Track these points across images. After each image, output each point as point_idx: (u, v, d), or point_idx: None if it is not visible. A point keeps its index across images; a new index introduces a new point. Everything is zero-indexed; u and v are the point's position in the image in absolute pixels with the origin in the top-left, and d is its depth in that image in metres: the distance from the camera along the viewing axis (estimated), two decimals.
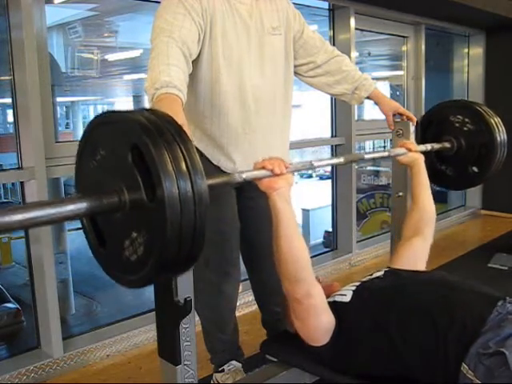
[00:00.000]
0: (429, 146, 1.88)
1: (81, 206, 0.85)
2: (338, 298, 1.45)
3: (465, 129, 1.94)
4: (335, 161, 1.65)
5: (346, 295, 1.46)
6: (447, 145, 1.95)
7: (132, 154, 0.85)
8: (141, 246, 0.87)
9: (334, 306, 1.40)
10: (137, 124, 0.85)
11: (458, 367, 1.19)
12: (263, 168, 1.29)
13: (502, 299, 1.30)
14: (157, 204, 0.82)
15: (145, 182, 0.84)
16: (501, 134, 1.89)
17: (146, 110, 0.92)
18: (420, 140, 1.95)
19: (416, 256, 1.64)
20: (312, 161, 1.44)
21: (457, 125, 1.95)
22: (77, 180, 1.02)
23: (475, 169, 1.94)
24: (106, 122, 0.93)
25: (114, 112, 0.95)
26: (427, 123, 2.06)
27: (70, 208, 0.84)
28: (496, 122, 1.90)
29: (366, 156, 1.73)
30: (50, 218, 0.81)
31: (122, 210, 0.88)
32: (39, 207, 0.80)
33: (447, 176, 2.01)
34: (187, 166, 0.83)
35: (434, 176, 1.84)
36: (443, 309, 1.28)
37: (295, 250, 1.31)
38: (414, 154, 1.76)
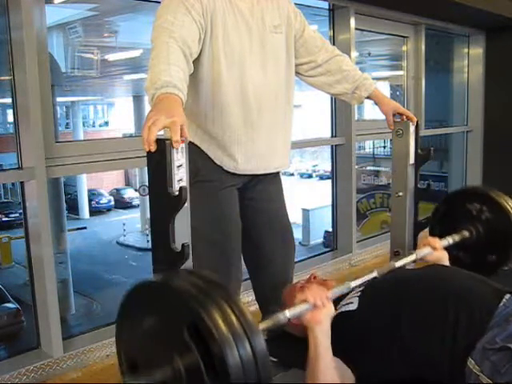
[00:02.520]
0: (450, 240, 1.88)
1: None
2: (345, 308, 1.46)
3: (481, 216, 1.94)
4: (369, 276, 1.59)
5: (352, 303, 1.46)
6: (466, 234, 1.95)
7: (188, 329, 0.83)
8: None
9: (343, 318, 1.41)
10: (192, 300, 0.83)
11: (465, 362, 1.19)
12: (305, 301, 1.30)
13: (509, 293, 1.30)
14: (218, 375, 0.80)
15: (203, 356, 0.82)
16: None
17: (191, 274, 0.91)
18: (438, 229, 1.97)
19: None
20: (350, 283, 1.47)
21: (473, 213, 1.95)
22: (120, 355, 0.99)
23: (493, 257, 1.93)
24: (153, 292, 0.91)
25: (160, 284, 0.92)
26: (443, 212, 2.06)
27: None
28: (510, 204, 1.90)
29: (397, 264, 1.67)
30: None
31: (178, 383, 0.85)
32: None
33: (465, 264, 1.96)
34: (244, 329, 0.82)
35: (452, 263, 1.82)
36: (451, 302, 1.28)
37: (330, 379, 1.30)
38: (439, 252, 1.75)
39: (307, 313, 1.30)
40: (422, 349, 1.28)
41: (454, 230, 1.95)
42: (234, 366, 0.79)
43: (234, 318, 0.83)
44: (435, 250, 1.74)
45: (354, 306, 1.45)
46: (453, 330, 1.24)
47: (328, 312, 1.32)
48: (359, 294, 1.49)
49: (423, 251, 1.75)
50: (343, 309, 1.46)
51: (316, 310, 1.30)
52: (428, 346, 1.27)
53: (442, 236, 1.88)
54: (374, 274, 1.55)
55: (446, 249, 1.80)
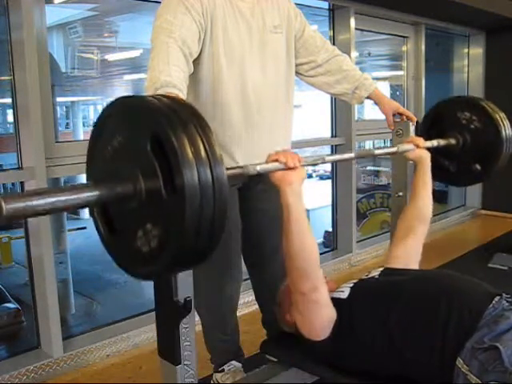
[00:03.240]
0: (435, 143, 1.86)
1: (94, 193, 0.83)
2: (336, 295, 1.46)
3: (470, 125, 1.92)
4: (347, 156, 1.66)
5: (343, 291, 1.46)
6: (452, 141, 1.93)
7: (151, 142, 0.82)
8: (155, 238, 0.85)
9: (332, 303, 1.40)
10: (159, 113, 0.83)
11: (454, 362, 1.20)
12: (276, 161, 1.27)
13: (499, 295, 1.31)
14: (175, 194, 0.79)
15: (163, 171, 0.81)
16: (506, 130, 1.87)
17: (166, 97, 0.90)
18: (424, 136, 1.94)
19: (409, 256, 1.64)
20: (324, 155, 1.46)
21: (462, 121, 1.93)
22: (89, 167, 0.99)
23: (478, 166, 1.92)
24: (125, 108, 0.91)
25: (133, 98, 0.92)
26: (431, 119, 2.04)
27: (83, 195, 0.82)
28: (501, 117, 1.88)
29: (376, 151, 1.72)
30: (61, 205, 0.79)
31: (137, 199, 0.85)
32: (51, 194, 0.78)
33: (450, 172, 1.99)
34: (207, 155, 0.81)
35: (437, 171, 1.82)
36: (441, 303, 1.29)
37: (306, 244, 1.30)
38: (422, 150, 1.74)
39: (278, 172, 1.28)
40: (412, 347, 1.28)
41: (442, 137, 1.94)
42: (190, 186, 0.78)
43: (198, 141, 0.82)
44: (417, 148, 1.74)
45: (344, 295, 1.45)
46: (443, 329, 1.24)
47: (299, 174, 1.29)
48: (352, 284, 1.49)
49: (405, 146, 1.74)
50: (335, 295, 1.45)
51: (287, 170, 1.28)
52: (417, 345, 1.28)
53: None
54: (352, 155, 1.61)
55: (431, 153, 1.78)
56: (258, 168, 1.23)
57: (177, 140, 0.80)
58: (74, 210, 0.86)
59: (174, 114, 0.83)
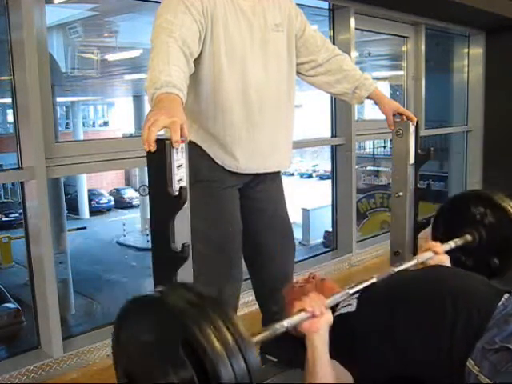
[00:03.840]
0: (452, 244, 1.86)
1: None
2: (344, 310, 1.45)
3: (485, 221, 1.92)
4: (368, 282, 1.57)
5: (351, 305, 1.46)
6: (469, 238, 1.93)
7: (182, 345, 0.84)
8: None
9: (341, 319, 1.40)
10: (185, 316, 0.84)
11: (464, 363, 1.19)
12: (303, 310, 1.29)
13: (508, 293, 1.29)
14: None
15: (197, 370, 0.83)
16: None
17: (187, 290, 0.92)
18: (439, 234, 1.95)
19: None
20: (348, 289, 1.47)
21: (476, 217, 1.93)
22: (116, 360, 0.99)
23: (496, 261, 1.91)
24: (150, 306, 0.92)
25: (158, 300, 0.93)
26: (445, 216, 2.04)
27: None
28: None
29: (396, 270, 1.66)
30: None
31: None
32: None
33: (468, 268, 1.92)
34: (237, 343, 0.83)
35: (453, 266, 1.82)
36: (447, 303, 1.28)
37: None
38: (441, 256, 1.74)
39: (305, 321, 1.30)
40: (420, 349, 1.28)
41: (457, 234, 1.93)
42: (227, 381, 0.80)
43: (227, 333, 0.83)
44: (437, 255, 1.73)
45: (352, 308, 1.45)
46: (451, 330, 1.23)
47: (326, 320, 1.31)
48: (358, 295, 1.49)
49: (425, 256, 1.74)
50: (342, 310, 1.45)
51: (314, 318, 1.29)
52: (425, 346, 1.27)
53: (444, 239, 1.87)
54: (374, 280, 1.54)
55: (448, 252, 1.79)
56: (286, 324, 1.24)
57: (207, 341, 0.81)
58: None
59: (200, 314, 0.85)
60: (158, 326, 0.90)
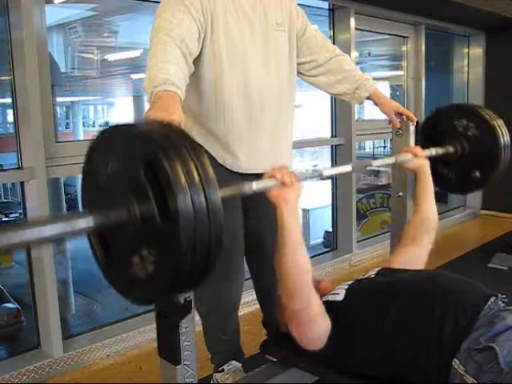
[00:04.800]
0: (433, 151, 1.86)
1: (89, 220, 0.83)
2: (331, 298, 1.45)
3: (468, 133, 1.92)
4: (343, 169, 1.61)
5: (338, 294, 1.46)
6: (451, 149, 1.93)
7: (145, 169, 0.83)
8: (151, 264, 0.85)
9: (327, 306, 1.40)
10: (151, 140, 0.83)
11: (450, 363, 1.20)
12: (273, 177, 1.27)
13: (495, 296, 1.31)
14: (170, 219, 0.79)
15: (157, 197, 0.81)
16: (504, 137, 1.87)
17: (157, 122, 0.90)
18: (422, 144, 1.94)
19: (411, 264, 1.63)
20: (321, 169, 1.45)
21: (460, 129, 1.93)
22: (83, 196, 0.99)
23: (478, 174, 1.91)
24: (117, 136, 0.91)
25: (124, 125, 0.92)
26: (429, 128, 2.04)
27: (78, 224, 0.82)
28: (499, 124, 1.88)
29: (374, 163, 1.70)
30: (56, 235, 0.79)
31: (132, 225, 0.85)
32: (44, 224, 0.78)
33: (449, 180, 1.99)
34: (201, 180, 0.81)
35: (436, 179, 1.82)
36: (436, 304, 1.29)
37: (299, 263, 1.30)
38: (420, 159, 1.73)
39: (274, 189, 1.27)
40: (408, 350, 1.28)
41: (440, 145, 1.93)
42: (184, 212, 0.78)
43: (192, 166, 0.81)
44: (416, 157, 1.73)
45: (339, 297, 1.44)
46: (439, 331, 1.24)
47: (296, 191, 1.29)
48: (347, 286, 1.49)
49: (403, 156, 1.73)
50: (329, 297, 1.45)
51: (283, 187, 1.27)
52: (414, 346, 1.27)
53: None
54: (349, 167, 1.56)
55: (432, 164, 1.78)
56: (255, 187, 1.22)
57: (170, 166, 0.79)
58: (69, 237, 0.86)
59: (166, 140, 0.83)
60: (124, 151, 0.88)
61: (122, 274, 0.92)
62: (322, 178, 1.46)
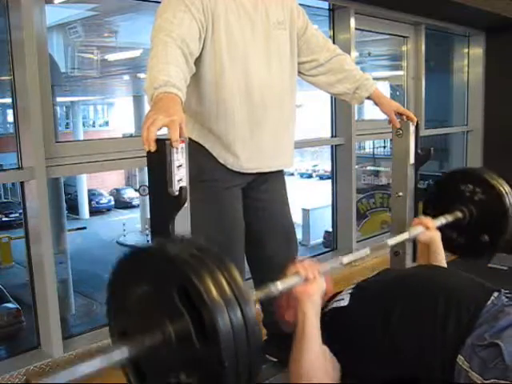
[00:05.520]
0: (443, 220, 1.88)
1: (123, 351, 0.82)
2: (336, 304, 1.46)
3: (474, 197, 1.93)
4: (363, 253, 1.64)
5: (343, 299, 1.46)
6: (459, 215, 1.94)
7: (179, 294, 0.83)
8: None
9: (333, 314, 1.40)
10: (185, 265, 0.83)
11: (454, 359, 1.20)
12: (296, 273, 1.29)
13: (497, 291, 1.31)
14: (208, 341, 0.79)
15: (193, 320, 0.81)
16: (510, 199, 1.88)
17: (183, 240, 0.91)
18: (430, 211, 1.96)
19: None
20: (341, 258, 1.52)
21: (466, 194, 1.95)
22: (111, 319, 0.98)
23: (486, 238, 1.92)
24: (148, 258, 0.90)
25: (156, 250, 0.91)
26: (436, 193, 2.06)
27: (113, 357, 0.82)
28: (503, 186, 1.90)
29: (390, 242, 1.72)
30: (94, 371, 0.80)
31: (168, 348, 0.84)
32: (82, 364, 0.78)
33: (459, 244, 1.99)
34: (235, 296, 0.81)
35: (446, 244, 1.83)
36: (439, 300, 1.29)
37: (314, 359, 1.30)
38: (432, 231, 1.76)
39: (298, 285, 1.29)
40: (413, 347, 1.28)
41: (447, 211, 1.94)
42: (224, 332, 0.78)
43: (225, 284, 0.82)
44: (428, 230, 1.75)
45: (344, 303, 1.45)
46: (443, 327, 1.25)
47: (319, 285, 1.31)
48: (351, 291, 1.49)
49: (416, 230, 1.75)
50: (334, 305, 1.45)
51: (307, 283, 1.29)
52: (419, 344, 1.28)
53: (434, 217, 1.88)
54: (367, 251, 1.60)
55: (440, 229, 1.80)
56: (280, 286, 1.24)
57: (204, 289, 0.80)
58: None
59: (199, 263, 0.83)
60: (154, 275, 0.88)
61: None
62: (343, 265, 1.52)
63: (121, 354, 0.83)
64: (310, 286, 1.29)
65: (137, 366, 0.93)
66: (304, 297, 1.30)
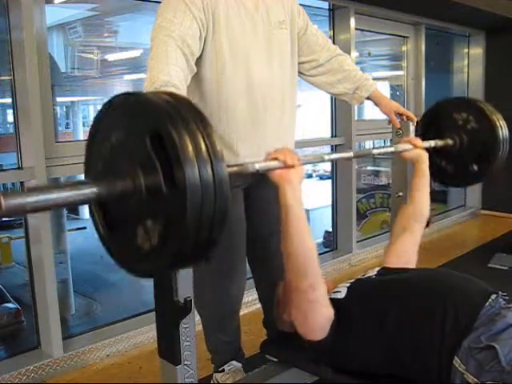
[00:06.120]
0: (432, 143, 1.87)
1: (93, 190, 0.83)
2: (333, 296, 1.45)
3: (467, 126, 1.93)
4: (345, 155, 1.66)
5: (340, 292, 1.46)
6: (450, 141, 1.94)
7: (151, 139, 0.82)
8: (156, 235, 0.84)
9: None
10: (160, 110, 0.82)
11: (451, 361, 1.20)
12: (275, 159, 1.28)
13: (495, 293, 1.30)
14: (176, 190, 0.79)
15: (164, 168, 0.81)
16: (503, 131, 1.87)
17: (165, 93, 0.89)
18: (421, 137, 1.94)
19: (407, 254, 1.64)
20: (324, 154, 1.48)
21: (459, 122, 1.94)
22: (87, 165, 0.98)
23: (475, 167, 1.92)
24: (124, 105, 0.90)
25: (131, 94, 0.91)
26: (429, 120, 2.05)
27: (83, 192, 0.82)
28: (498, 118, 1.89)
29: (374, 151, 1.72)
30: (61, 201, 0.80)
31: (137, 196, 0.84)
32: (51, 190, 0.79)
33: (448, 173, 2.00)
34: (208, 152, 0.81)
35: (435, 172, 1.83)
36: (437, 302, 1.29)
37: (305, 243, 1.30)
38: (419, 150, 1.75)
39: (277, 170, 1.28)
40: (410, 348, 1.28)
41: (440, 138, 1.95)
42: (192, 182, 0.78)
43: (200, 138, 0.81)
44: (415, 148, 1.74)
45: (341, 295, 1.44)
46: (440, 329, 1.24)
47: (298, 172, 1.30)
48: (348, 284, 1.49)
49: (403, 146, 1.75)
50: (331, 296, 1.45)
51: (286, 169, 1.28)
52: (415, 345, 1.28)
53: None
54: (350, 154, 1.63)
55: (429, 154, 1.79)
56: (257, 166, 1.23)
57: (178, 136, 0.79)
58: (73, 206, 0.85)
59: (175, 110, 0.82)
60: (129, 120, 0.87)
61: (126, 246, 0.91)
62: (324, 161, 1.49)
63: (90, 190, 0.83)
64: (289, 171, 1.28)
65: (105, 211, 0.94)
66: (283, 181, 1.28)
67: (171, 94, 0.89)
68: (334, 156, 1.66)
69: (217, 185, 0.81)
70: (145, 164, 0.84)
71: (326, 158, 1.48)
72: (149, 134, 0.83)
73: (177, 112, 0.82)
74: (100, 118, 0.94)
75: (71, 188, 0.82)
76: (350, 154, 1.63)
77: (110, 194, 0.85)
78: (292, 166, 1.27)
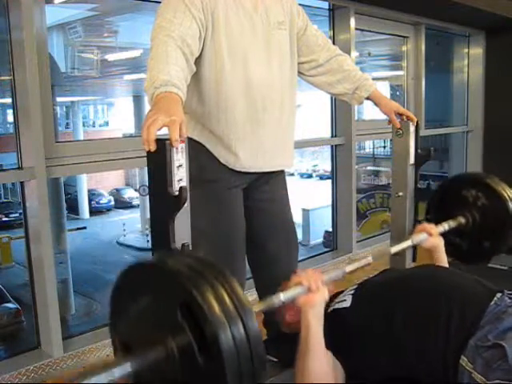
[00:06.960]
0: (446, 226, 1.88)
1: (127, 365, 0.83)
2: (338, 306, 1.46)
3: (478, 203, 1.94)
4: (364, 262, 1.65)
5: (345, 300, 1.46)
6: (462, 220, 1.94)
7: (181, 310, 0.83)
8: None
9: (335, 315, 1.40)
10: (184, 279, 0.83)
11: (458, 361, 1.20)
12: (299, 284, 1.30)
13: (501, 292, 1.30)
14: (212, 357, 0.79)
15: (195, 336, 0.81)
16: None
17: (186, 256, 0.93)
18: (433, 216, 1.96)
19: None
20: (345, 267, 1.50)
21: (470, 199, 1.95)
22: (113, 321, 0.98)
23: (489, 244, 1.93)
24: (148, 272, 0.91)
25: (158, 263, 0.92)
26: (439, 199, 2.06)
27: (117, 371, 0.82)
28: (510, 195, 1.89)
29: (393, 250, 1.73)
30: None
31: (170, 363, 0.84)
32: (85, 377, 0.78)
33: (462, 249, 1.99)
34: (237, 310, 0.82)
35: (449, 249, 1.83)
36: (443, 301, 1.29)
37: (318, 368, 1.30)
38: (435, 238, 1.76)
39: (301, 296, 1.30)
40: (416, 348, 1.28)
41: (450, 217, 1.95)
42: (226, 347, 0.78)
43: (226, 298, 0.82)
44: (431, 236, 1.75)
45: (347, 304, 1.45)
46: (445, 328, 1.24)
47: (322, 296, 1.31)
48: (353, 291, 1.49)
49: (419, 237, 1.76)
50: (336, 306, 1.45)
51: (310, 293, 1.29)
52: (421, 345, 1.28)
53: (437, 222, 1.89)
54: (369, 259, 1.58)
55: (442, 235, 1.80)
56: (282, 298, 1.24)
57: (206, 305, 0.80)
58: None
59: (200, 278, 0.84)
60: (156, 290, 0.88)
61: None
62: (345, 274, 1.50)
63: (123, 369, 0.83)
64: (313, 296, 1.29)
65: (139, 380, 0.92)
66: (307, 307, 1.30)
67: (191, 256, 0.92)
68: (355, 266, 1.59)
69: (251, 342, 0.81)
70: (176, 331, 0.84)
71: (347, 270, 1.50)
72: (178, 306, 0.83)
73: (201, 276, 0.84)
74: (123, 282, 0.95)
75: (104, 369, 0.81)
76: (369, 259, 1.62)
77: (143, 366, 0.84)
78: (316, 290, 1.29)
